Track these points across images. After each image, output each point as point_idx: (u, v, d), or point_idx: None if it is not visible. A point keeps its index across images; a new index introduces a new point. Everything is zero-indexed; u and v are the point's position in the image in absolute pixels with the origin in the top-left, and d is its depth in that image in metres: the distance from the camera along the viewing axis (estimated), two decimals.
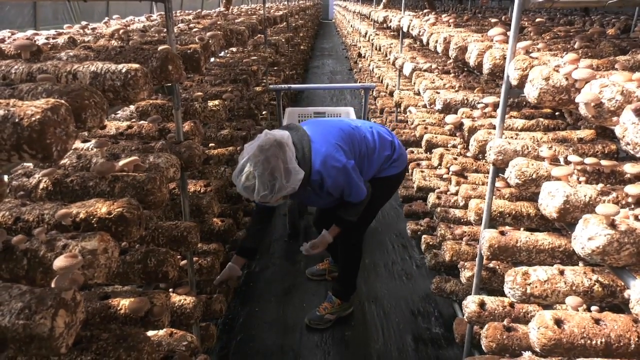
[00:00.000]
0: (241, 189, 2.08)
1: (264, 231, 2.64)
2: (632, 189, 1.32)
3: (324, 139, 2.26)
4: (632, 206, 1.35)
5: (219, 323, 2.71)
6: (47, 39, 2.24)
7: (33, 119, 0.91)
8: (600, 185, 1.42)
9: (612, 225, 1.19)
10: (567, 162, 1.61)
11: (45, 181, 1.51)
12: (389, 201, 4.26)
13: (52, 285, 1.01)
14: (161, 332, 1.81)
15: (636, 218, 1.23)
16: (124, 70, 1.35)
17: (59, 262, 1.03)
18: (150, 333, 1.63)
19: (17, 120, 0.91)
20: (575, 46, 2.01)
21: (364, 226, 2.72)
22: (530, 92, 1.49)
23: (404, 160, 2.61)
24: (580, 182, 1.51)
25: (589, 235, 1.20)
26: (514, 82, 1.65)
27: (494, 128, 1.95)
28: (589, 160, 1.55)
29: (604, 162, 1.55)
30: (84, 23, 3.11)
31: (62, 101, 1.00)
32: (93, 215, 1.30)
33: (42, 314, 0.92)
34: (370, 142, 2.45)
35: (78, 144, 1.92)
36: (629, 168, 1.49)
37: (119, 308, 1.54)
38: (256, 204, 2.53)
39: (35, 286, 1.03)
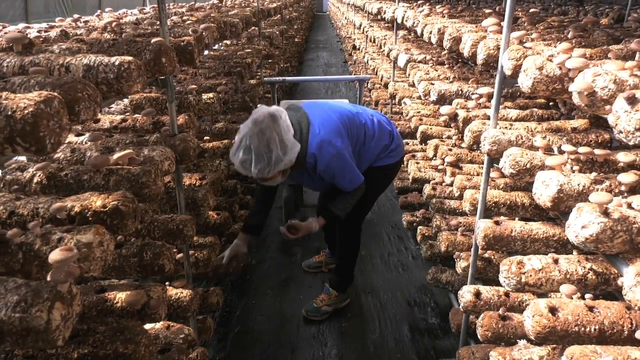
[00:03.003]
0: (238, 165, 2.07)
1: (268, 208, 2.60)
2: (625, 178, 1.33)
3: (323, 122, 2.24)
4: (625, 194, 1.36)
5: (216, 316, 2.72)
6: (39, 32, 2.23)
7: (26, 111, 0.91)
8: (594, 174, 1.43)
9: (606, 213, 1.20)
10: (561, 152, 1.62)
11: (40, 175, 1.50)
12: (384, 193, 4.26)
13: (48, 278, 1.01)
14: (158, 325, 1.82)
15: (629, 206, 1.24)
16: (117, 63, 1.35)
17: (55, 255, 1.03)
18: (147, 326, 1.63)
19: (9, 113, 0.90)
20: (569, 36, 2.02)
21: (361, 216, 2.72)
22: (524, 82, 1.49)
23: (400, 151, 2.61)
24: (573, 171, 1.52)
25: (582, 223, 1.21)
26: (508, 72, 1.65)
27: (489, 118, 1.96)
28: (582, 149, 1.56)
29: (597, 151, 1.56)
30: (76, 16, 3.09)
31: (55, 94, 1.00)
32: (88, 209, 1.30)
33: (38, 307, 0.92)
34: (370, 130, 2.44)
35: (72, 138, 1.92)
36: (622, 157, 1.50)
37: (115, 301, 1.54)
38: (257, 185, 2.51)
39: (31, 280, 1.03)
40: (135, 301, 1.52)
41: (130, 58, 1.38)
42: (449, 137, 2.93)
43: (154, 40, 1.67)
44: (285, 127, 2.08)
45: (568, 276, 1.57)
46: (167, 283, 2.00)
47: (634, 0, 3.69)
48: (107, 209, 1.30)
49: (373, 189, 2.57)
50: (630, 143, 1.07)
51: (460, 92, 2.54)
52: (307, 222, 2.41)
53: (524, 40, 1.77)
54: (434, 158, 2.87)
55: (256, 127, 2.03)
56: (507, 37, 1.68)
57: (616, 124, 1.11)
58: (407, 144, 3.59)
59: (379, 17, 5.36)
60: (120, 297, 1.55)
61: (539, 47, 1.70)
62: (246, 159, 2.03)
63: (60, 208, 1.28)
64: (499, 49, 1.79)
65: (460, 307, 1.99)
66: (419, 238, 2.88)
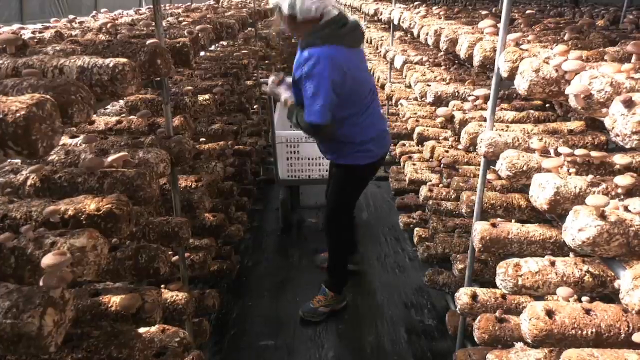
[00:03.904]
0: None
1: None
2: (621, 180, 1.33)
3: (350, 57, 2.26)
4: (622, 197, 1.35)
5: (212, 318, 2.71)
6: (33, 33, 2.21)
7: (18, 114, 0.89)
8: (590, 176, 1.43)
9: (602, 216, 1.19)
10: (558, 154, 1.62)
11: (33, 177, 1.49)
12: (381, 194, 4.27)
13: (40, 283, 1.00)
14: (153, 328, 1.80)
15: (625, 209, 1.24)
16: (111, 65, 1.33)
17: (47, 260, 1.02)
18: (142, 330, 1.62)
19: (1, 116, 0.89)
20: (565, 38, 2.01)
21: (337, 216, 2.71)
22: (521, 84, 1.49)
23: (371, 156, 2.50)
24: (570, 174, 1.51)
25: (579, 226, 1.20)
26: (505, 74, 1.65)
27: (485, 120, 1.95)
28: (579, 151, 1.55)
29: (593, 154, 1.56)
30: (71, 17, 3.08)
31: (48, 96, 0.99)
32: (82, 212, 1.28)
33: (30, 313, 0.91)
34: (362, 115, 2.41)
35: (66, 140, 1.90)
36: (619, 159, 1.50)
37: (110, 305, 1.52)
38: None
39: (23, 284, 1.02)
40: (130, 305, 1.50)
41: (124, 60, 1.37)
42: (446, 139, 2.92)
43: (149, 41, 1.66)
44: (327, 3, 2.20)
45: (565, 279, 1.57)
46: (162, 286, 1.99)
47: (629, 2, 3.70)
48: (101, 212, 1.28)
49: (342, 189, 2.61)
50: (627, 146, 1.07)
51: (456, 94, 2.53)
52: (286, 92, 2.50)
53: (521, 42, 1.77)
54: (431, 160, 2.87)
55: None
56: (503, 39, 1.67)
57: (613, 127, 1.10)
58: (404, 145, 3.58)
59: (375, 18, 5.35)
60: (114, 300, 1.53)
61: (536, 49, 1.69)
62: None
63: (54, 211, 1.27)
64: (495, 50, 1.78)
65: (457, 309, 1.98)
66: (415, 240, 2.88)
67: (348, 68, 2.24)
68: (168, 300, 1.89)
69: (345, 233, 2.77)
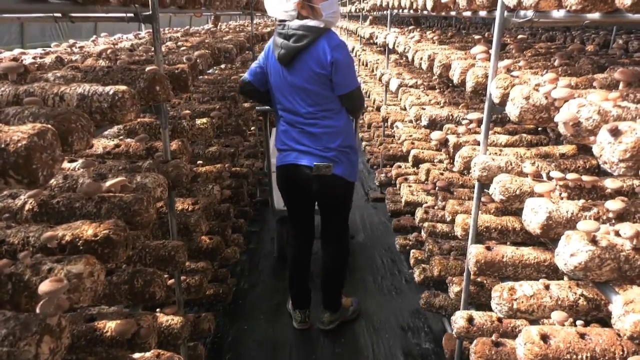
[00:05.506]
0: None
1: None
2: (612, 205, 1.35)
3: (268, 56, 2.48)
4: (613, 221, 1.37)
5: (207, 342, 2.69)
6: (34, 58, 2.24)
7: (19, 144, 0.91)
8: (582, 200, 1.45)
9: (594, 241, 1.21)
10: (550, 178, 1.64)
11: (31, 202, 1.50)
12: (378, 216, 4.28)
13: (37, 310, 1.00)
14: (148, 354, 1.79)
15: (617, 234, 1.26)
16: (111, 92, 1.36)
17: (44, 287, 1.02)
18: (137, 355, 1.61)
19: (2, 145, 0.91)
20: (555, 64, 2.06)
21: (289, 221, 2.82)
22: (512, 111, 1.52)
23: (278, 160, 2.58)
24: (562, 198, 1.54)
25: (571, 251, 1.22)
26: (496, 100, 1.69)
27: (479, 144, 1.99)
28: (570, 176, 1.58)
29: (585, 178, 1.58)
30: (71, 41, 3.12)
31: (49, 126, 1.01)
32: (79, 238, 1.29)
33: (26, 341, 0.91)
34: (277, 114, 2.54)
35: (65, 164, 1.91)
36: (610, 183, 1.52)
37: (105, 330, 1.52)
38: None
39: (20, 311, 1.02)
40: (125, 330, 1.50)
41: (124, 87, 1.39)
42: (441, 161, 2.95)
43: (148, 68, 1.69)
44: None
45: (559, 302, 1.58)
46: (158, 309, 1.98)
47: (619, 26, 3.79)
48: (98, 238, 1.30)
49: None
50: (615, 173, 1.10)
51: (450, 117, 2.57)
52: None
53: (512, 69, 1.81)
54: (426, 182, 2.89)
55: None
56: (494, 66, 1.72)
57: (601, 155, 1.13)
58: (400, 167, 3.62)
59: (371, 41, 5.45)
60: (110, 326, 1.53)
61: (526, 76, 1.73)
62: None
63: (51, 237, 1.28)
64: (487, 77, 1.83)
65: (453, 332, 1.98)
66: (412, 262, 2.88)
67: (267, 64, 2.50)
68: (163, 325, 1.88)
69: (299, 255, 2.79)
